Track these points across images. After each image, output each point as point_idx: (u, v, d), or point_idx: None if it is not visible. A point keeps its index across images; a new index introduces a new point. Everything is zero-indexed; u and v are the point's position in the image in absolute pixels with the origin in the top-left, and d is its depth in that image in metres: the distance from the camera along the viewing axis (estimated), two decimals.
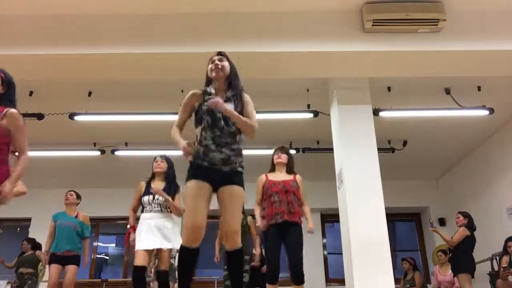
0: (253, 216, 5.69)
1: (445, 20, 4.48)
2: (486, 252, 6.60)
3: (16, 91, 2.83)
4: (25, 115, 4.86)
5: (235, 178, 2.60)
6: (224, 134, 2.57)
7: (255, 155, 6.25)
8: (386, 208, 4.70)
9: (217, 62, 2.71)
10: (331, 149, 5.35)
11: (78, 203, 5.26)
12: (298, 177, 4.10)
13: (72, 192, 5.23)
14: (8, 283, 7.44)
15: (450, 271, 6.14)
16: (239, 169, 2.63)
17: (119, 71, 4.90)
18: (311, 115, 5.80)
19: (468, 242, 5.60)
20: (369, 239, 4.53)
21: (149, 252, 3.96)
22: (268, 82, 5.31)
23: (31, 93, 5.49)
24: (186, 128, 2.78)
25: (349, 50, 4.64)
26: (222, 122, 2.57)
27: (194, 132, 2.72)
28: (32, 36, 4.61)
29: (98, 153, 7.06)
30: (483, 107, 5.72)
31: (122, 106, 5.86)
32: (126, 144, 7.11)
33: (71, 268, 4.90)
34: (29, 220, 8.59)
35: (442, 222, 8.77)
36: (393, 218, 8.83)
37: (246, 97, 2.73)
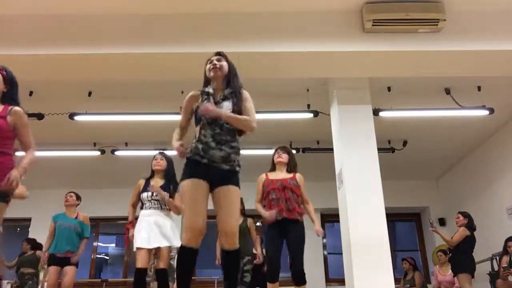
0: (253, 218, 5.71)
1: (445, 20, 4.48)
2: (486, 252, 6.60)
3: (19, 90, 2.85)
4: None
5: (233, 178, 2.59)
6: (223, 131, 2.57)
7: (255, 155, 6.26)
8: (386, 208, 4.69)
9: (215, 62, 2.70)
10: (331, 149, 5.35)
11: (78, 204, 5.25)
12: (298, 175, 4.07)
13: (72, 194, 5.23)
14: (8, 283, 7.44)
15: (450, 271, 6.14)
16: (237, 168, 2.62)
17: (119, 71, 4.90)
18: (311, 115, 5.80)
19: (468, 242, 5.60)
20: (369, 239, 4.53)
21: (149, 251, 3.97)
22: (268, 82, 5.31)
23: (31, 93, 5.48)
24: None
25: (349, 50, 4.64)
26: (222, 120, 2.57)
27: (194, 131, 2.71)
28: (32, 36, 4.61)
29: (98, 153, 7.07)
30: (483, 107, 5.72)
31: (122, 106, 5.85)
32: (126, 144, 7.11)
33: (70, 269, 4.89)
34: (29, 220, 8.60)
35: (442, 222, 8.77)
36: (393, 218, 8.83)
37: (245, 94, 2.72)
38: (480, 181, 7.51)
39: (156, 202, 4.05)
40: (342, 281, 4.99)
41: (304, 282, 3.73)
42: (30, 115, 5.54)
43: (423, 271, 8.44)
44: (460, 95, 5.69)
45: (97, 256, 9.28)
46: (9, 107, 2.73)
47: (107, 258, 10.41)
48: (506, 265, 5.59)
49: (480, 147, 7.51)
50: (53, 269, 4.87)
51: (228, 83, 2.71)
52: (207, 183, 2.53)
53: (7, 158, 2.65)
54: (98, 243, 9.27)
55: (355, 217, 4.64)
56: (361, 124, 5.02)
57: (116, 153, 7.05)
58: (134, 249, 3.95)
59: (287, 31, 4.67)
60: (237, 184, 2.60)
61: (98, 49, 4.60)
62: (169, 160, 4.25)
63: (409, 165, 8.06)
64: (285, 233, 3.85)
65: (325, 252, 8.92)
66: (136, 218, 4.12)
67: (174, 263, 5.88)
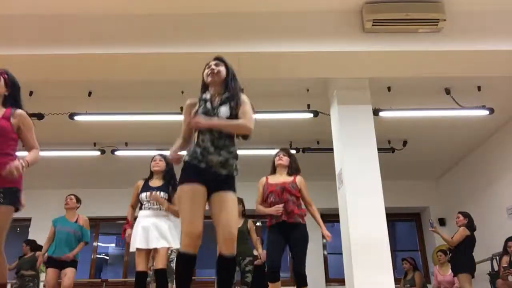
0: (254, 220, 5.70)
1: (445, 20, 4.47)
2: (486, 252, 6.60)
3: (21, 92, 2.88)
4: None
5: (230, 183, 2.57)
6: (222, 136, 2.55)
7: (255, 155, 6.27)
8: (386, 208, 4.69)
9: (213, 67, 2.67)
10: (331, 149, 5.35)
11: (78, 207, 5.24)
12: (298, 178, 4.06)
13: (72, 196, 5.21)
14: (7, 283, 7.43)
15: (450, 271, 6.14)
16: (235, 173, 2.60)
17: (119, 71, 4.90)
18: (311, 115, 5.80)
19: (468, 242, 5.60)
20: (369, 239, 4.53)
21: (148, 252, 3.98)
22: (268, 82, 5.32)
23: (31, 93, 5.48)
24: None
25: (349, 50, 4.64)
26: None
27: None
28: (32, 36, 4.60)
29: (98, 153, 7.07)
30: (483, 107, 5.73)
31: (122, 106, 5.86)
32: (126, 144, 7.10)
33: (69, 271, 4.89)
34: (29, 220, 8.57)
35: (442, 222, 8.77)
36: (393, 218, 8.82)
37: (243, 97, 2.69)
38: (480, 181, 7.51)
39: (154, 203, 4.05)
40: (342, 281, 4.99)
41: (304, 285, 3.76)
42: (30, 115, 5.43)
43: (423, 271, 8.44)
44: (460, 95, 5.69)
45: (97, 256, 9.28)
46: (12, 109, 2.76)
47: (107, 258, 10.42)
48: (506, 265, 5.59)
49: (480, 147, 7.51)
50: (51, 271, 4.88)
51: (226, 87, 2.68)
52: (205, 188, 2.51)
53: (10, 159, 2.67)
54: (98, 243, 9.27)
55: (355, 217, 4.64)
56: (361, 124, 5.01)
57: (116, 153, 7.05)
58: (131, 250, 3.99)
59: (287, 31, 4.66)
60: (234, 189, 2.58)
61: (98, 49, 4.59)
62: (168, 161, 4.25)
63: (409, 165, 8.05)
64: (287, 237, 3.86)
65: (325, 252, 8.92)
66: (135, 219, 4.13)
67: (173, 265, 5.90)
